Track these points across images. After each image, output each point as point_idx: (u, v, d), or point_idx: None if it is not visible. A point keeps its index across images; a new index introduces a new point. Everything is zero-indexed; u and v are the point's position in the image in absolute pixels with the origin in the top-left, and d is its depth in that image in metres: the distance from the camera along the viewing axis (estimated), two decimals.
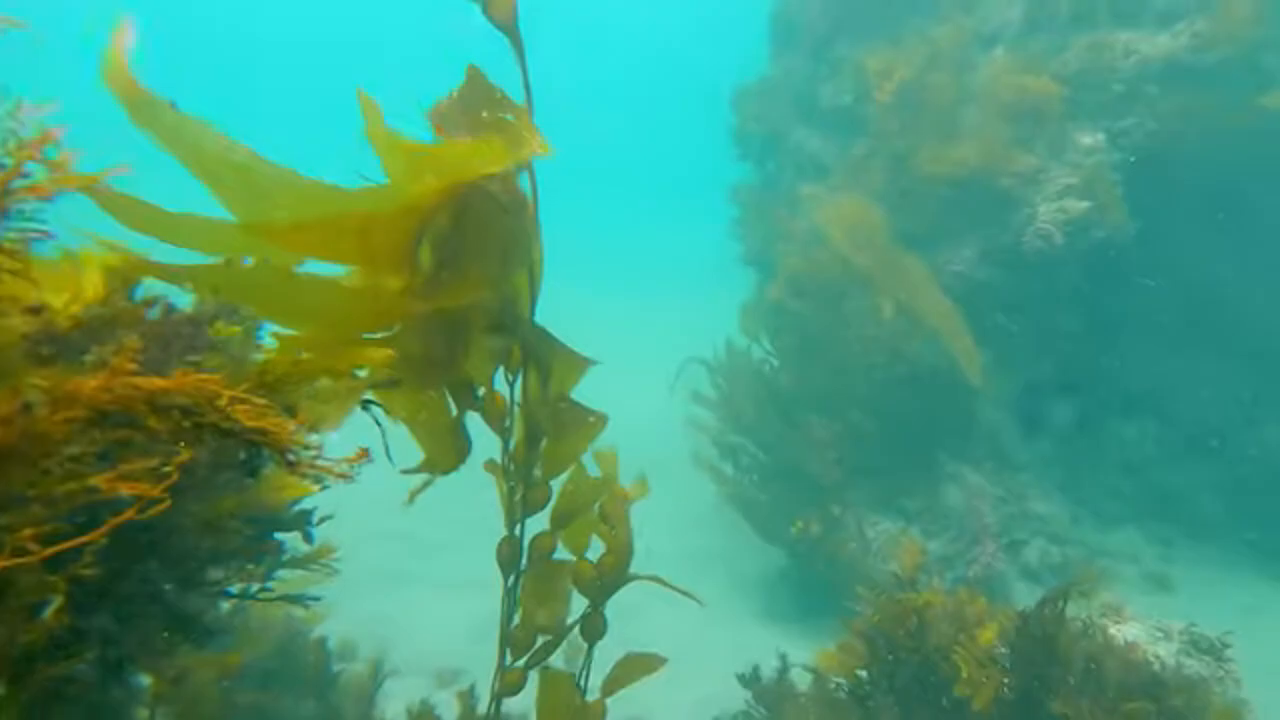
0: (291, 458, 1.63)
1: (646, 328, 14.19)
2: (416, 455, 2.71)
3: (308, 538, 3.08)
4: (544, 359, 2.73)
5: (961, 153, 6.26)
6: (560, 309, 3.10)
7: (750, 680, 4.20)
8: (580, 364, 2.98)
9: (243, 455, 1.76)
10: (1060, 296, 6.41)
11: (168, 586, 2.00)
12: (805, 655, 4.14)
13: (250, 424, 1.58)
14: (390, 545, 6.63)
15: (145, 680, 2.08)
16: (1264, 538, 7.67)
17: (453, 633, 5.47)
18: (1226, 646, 4.75)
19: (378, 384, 2.21)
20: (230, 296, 1.86)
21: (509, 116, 2.14)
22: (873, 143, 6.87)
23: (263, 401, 1.56)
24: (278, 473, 2.50)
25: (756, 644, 5.12)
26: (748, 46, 8.35)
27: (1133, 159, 6.52)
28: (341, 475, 1.81)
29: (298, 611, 3.35)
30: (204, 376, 1.52)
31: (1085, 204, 6.08)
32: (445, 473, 2.71)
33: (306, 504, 2.94)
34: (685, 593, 2.88)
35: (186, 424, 1.50)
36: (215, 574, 2.19)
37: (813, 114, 7.31)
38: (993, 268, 6.31)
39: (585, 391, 2.91)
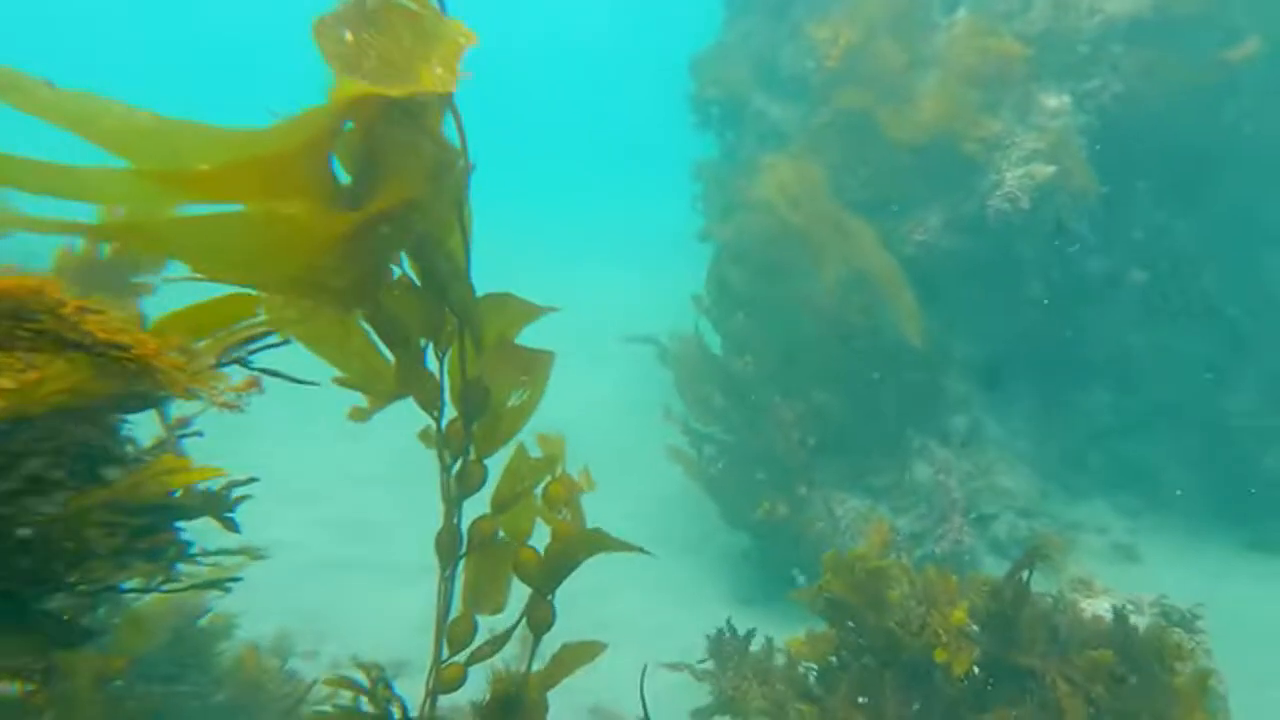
0: (166, 381, 1.42)
1: (612, 304, 13.93)
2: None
3: (230, 525, 2.81)
4: (476, 310, 2.51)
5: (923, 118, 6.08)
6: (518, 280, 2.88)
7: (714, 644, 4.02)
8: (526, 311, 2.76)
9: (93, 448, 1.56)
10: (1027, 265, 6.29)
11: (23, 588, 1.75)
12: (776, 637, 3.97)
13: (105, 337, 1.36)
14: (331, 530, 6.33)
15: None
16: (1228, 505, 7.67)
17: (398, 623, 5.20)
18: (1197, 618, 4.68)
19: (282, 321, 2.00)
20: (136, 245, 1.73)
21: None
22: (831, 110, 6.65)
23: (122, 316, 1.38)
24: (165, 458, 2.25)
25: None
26: (710, 6, 8.02)
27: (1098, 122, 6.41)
28: (227, 405, 1.67)
29: (217, 603, 3.12)
30: (43, 278, 1.34)
31: (1051, 169, 5.94)
32: (382, 405, 2.52)
33: (236, 490, 2.71)
34: (635, 547, 2.67)
35: (22, 332, 1.29)
36: (90, 572, 1.93)
37: (773, 80, 7.07)
38: (959, 236, 6.16)
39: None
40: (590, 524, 2.83)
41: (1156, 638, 3.33)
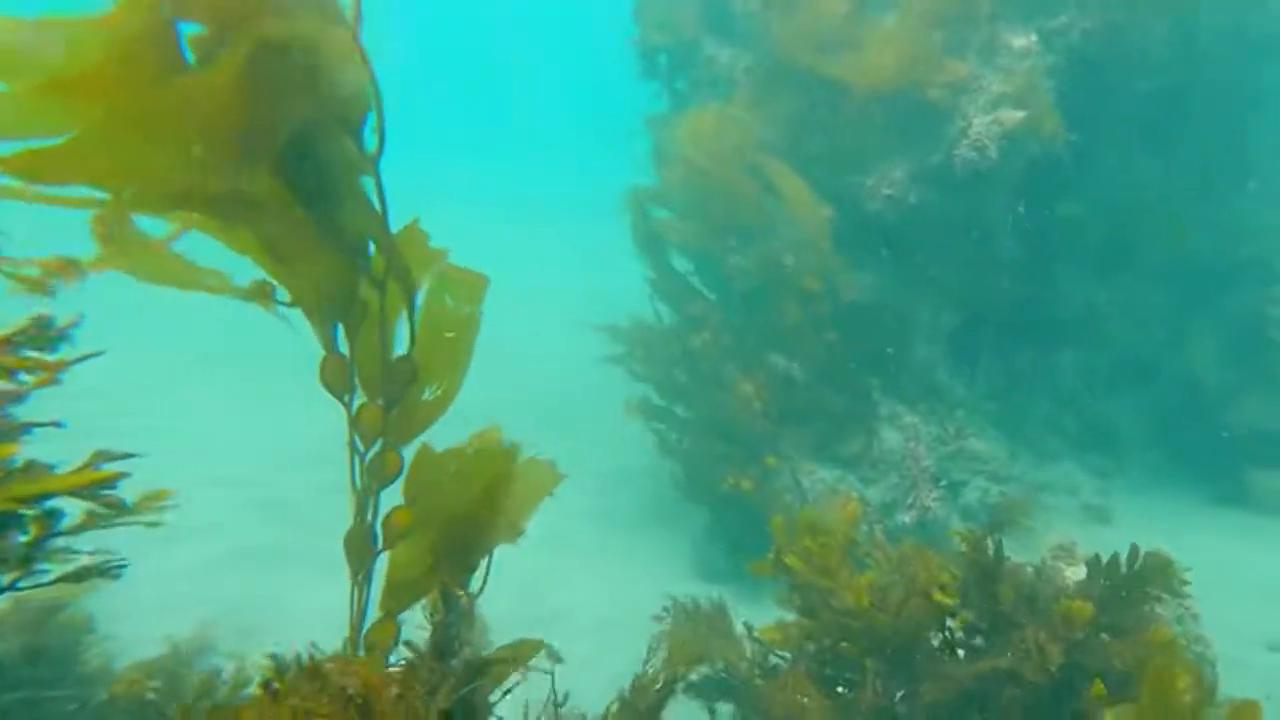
0: None
1: (559, 273, 13.47)
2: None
3: (116, 505, 2.43)
4: (396, 251, 2.11)
5: (883, 62, 5.72)
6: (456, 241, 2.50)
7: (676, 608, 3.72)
8: (467, 278, 2.39)
9: None
10: (995, 219, 6.01)
11: None
12: (745, 615, 3.68)
13: None
14: (263, 516, 5.87)
15: None
16: (1194, 461, 7.60)
17: (333, 621, 4.80)
18: (1185, 583, 4.50)
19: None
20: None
21: None
22: (777, 56, 6.24)
23: None
24: None
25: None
26: None
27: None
28: None
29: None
30: None
31: (1020, 114, 5.64)
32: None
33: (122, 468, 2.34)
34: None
35: None
36: None
37: (723, 21, 6.63)
38: (926, 189, 5.84)
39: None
40: (547, 503, 2.51)
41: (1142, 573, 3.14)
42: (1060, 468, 6.94)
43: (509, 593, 3.93)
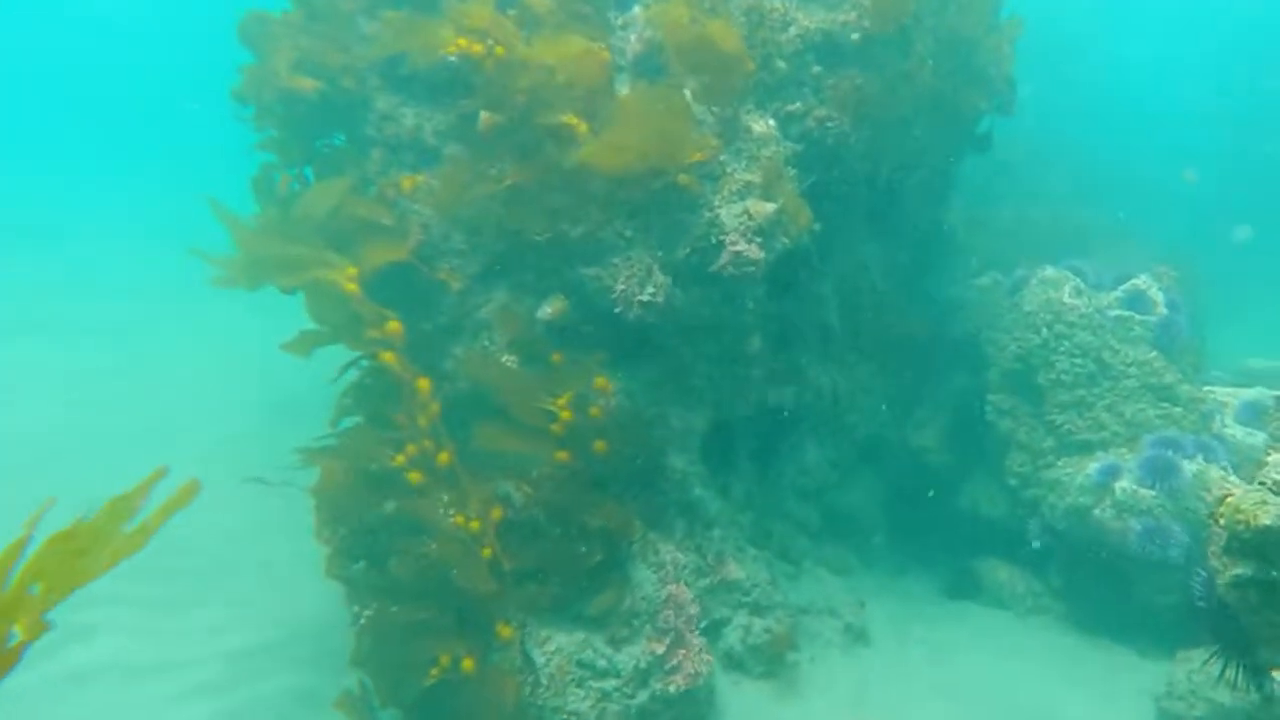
0: None
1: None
2: None
3: None
4: None
5: (622, 139, 4.97)
6: None
7: None
8: None
9: None
10: (746, 315, 5.49)
11: None
12: None
13: None
14: None
15: None
16: (929, 549, 7.73)
17: None
18: None
19: None
20: None
21: None
22: (492, 121, 5.27)
23: None
24: None
25: None
26: None
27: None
28: None
29: None
30: None
31: (771, 206, 5.17)
32: None
33: None
34: None
35: None
36: None
37: (399, 72, 5.50)
38: (677, 286, 5.15)
39: None
40: None
41: None
42: (814, 579, 6.62)
43: None
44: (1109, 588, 6.40)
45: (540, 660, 4.83)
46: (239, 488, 5.75)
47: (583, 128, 4.89)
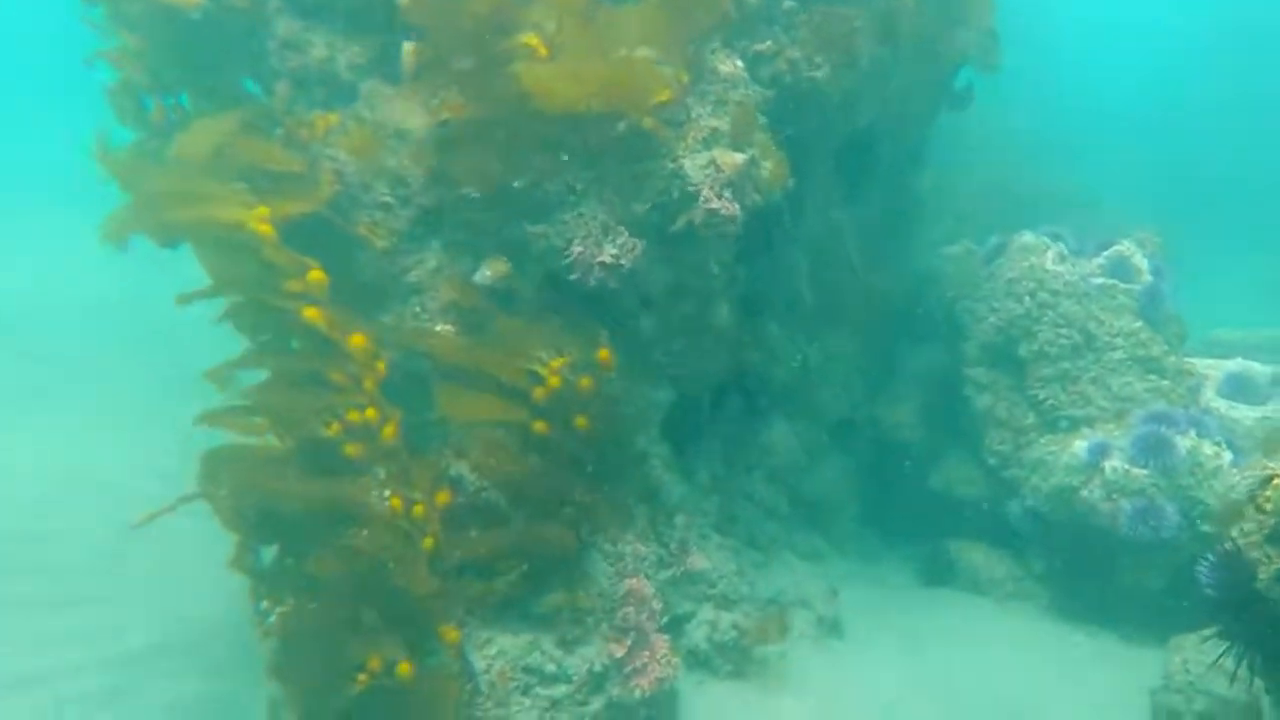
0: None
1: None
2: None
3: None
4: None
5: (589, 70, 4.39)
6: None
7: None
8: None
9: None
10: (713, 281, 4.97)
11: None
12: None
13: None
14: None
15: None
16: (900, 529, 7.37)
17: None
18: None
19: None
20: None
21: None
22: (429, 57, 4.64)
23: None
24: None
25: None
26: None
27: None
28: None
29: None
30: None
31: (741, 156, 4.65)
32: None
33: None
34: None
35: None
36: None
37: None
38: (643, 243, 4.61)
39: None
40: None
41: None
42: (784, 567, 6.18)
43: None
44: (1094, 572, 6.08)
45: (480, 665, 4.29)
46: (129, 465, 5.08)
47: (544, 52, 4.28)
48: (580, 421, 4.50)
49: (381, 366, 4.38)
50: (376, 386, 4.32)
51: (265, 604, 4.42)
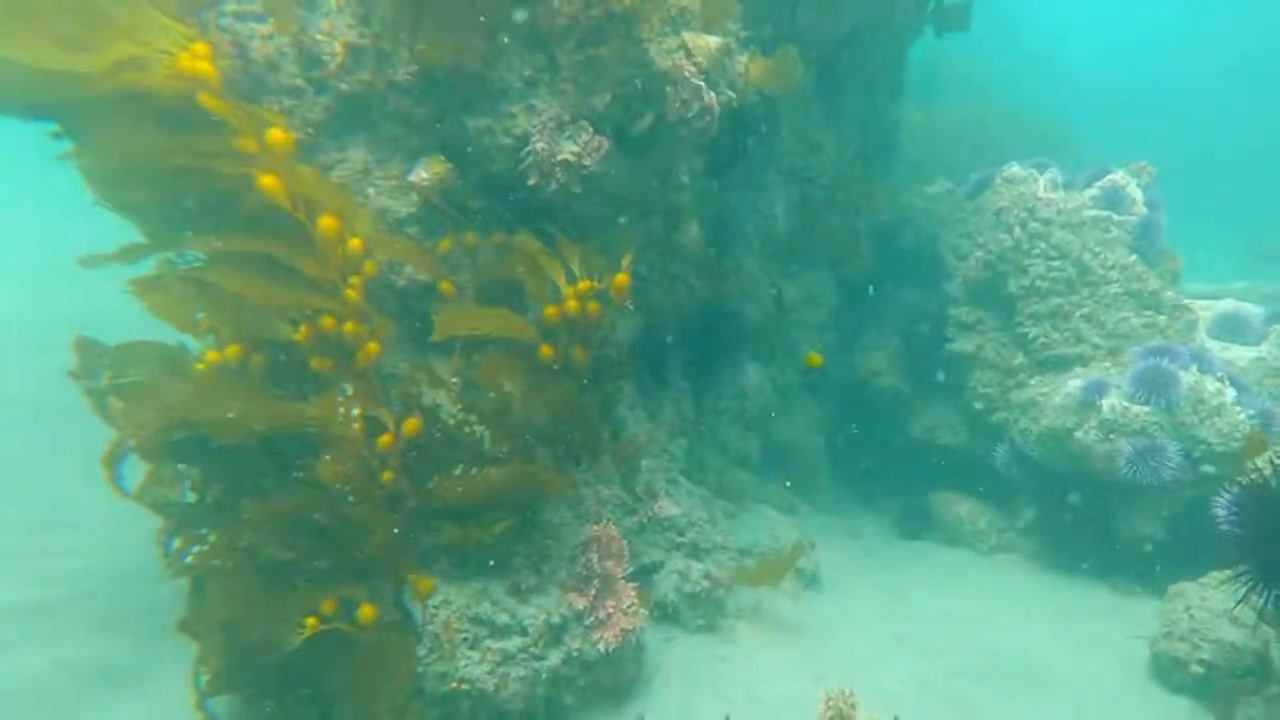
0: None
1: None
2: None
3: None
4: None
5: None
6: None
7: None
8: None
9: None
10: (682, 193, 4.47)
11: None
12: None
13: None
14: None
15: None
16: (878, 483, 7.00)
17: None
18: None
19: None
20: None
21: None
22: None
23: None
24: None
25: None
26: None
27: None
28: None
29: None
30: None
31: (715, 40, 4.13)
32: None
33: None
34: None
35: None
36: None
37: None
38: (604, 159, 4.08)
39: None
40: None
41: None
42: (757, 518, 5.73)
43: None
44: (1087, 520, 5.73)
45: (421, 618, 3.78)
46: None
47: None
48: (578, 353, 4.01)
49: (371, 268, 3.78)
50: (362, 294, 3.70)
51: (178, 543, 3.84)
